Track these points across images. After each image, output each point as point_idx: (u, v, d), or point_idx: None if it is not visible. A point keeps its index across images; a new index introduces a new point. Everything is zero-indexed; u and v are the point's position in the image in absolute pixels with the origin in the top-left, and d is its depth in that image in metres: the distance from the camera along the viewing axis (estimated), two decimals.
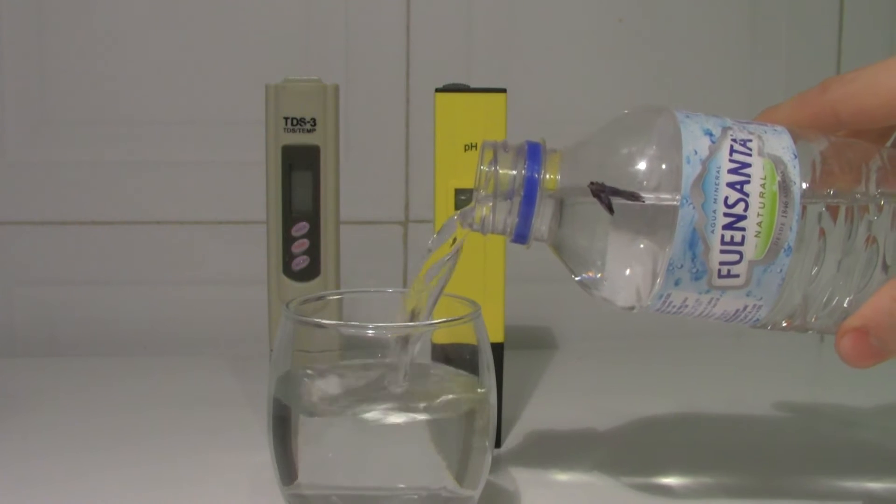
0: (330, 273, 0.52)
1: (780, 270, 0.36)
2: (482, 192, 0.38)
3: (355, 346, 0.42)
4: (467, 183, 0.49)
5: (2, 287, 0.71)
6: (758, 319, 0.38)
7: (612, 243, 0.37)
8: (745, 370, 0.68)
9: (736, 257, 0.36)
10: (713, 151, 0.36)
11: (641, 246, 0.37)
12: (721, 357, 0.71)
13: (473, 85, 0.50)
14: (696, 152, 0.36)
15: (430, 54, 0.72)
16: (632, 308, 0.39)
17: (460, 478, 0.39)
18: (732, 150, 0.36)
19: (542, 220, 0.38)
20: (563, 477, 0.48)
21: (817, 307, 0.38)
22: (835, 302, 0.38)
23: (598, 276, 0.38)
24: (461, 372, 0.41)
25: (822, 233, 0.36)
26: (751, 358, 0.72)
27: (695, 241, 0.36)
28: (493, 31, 0.72)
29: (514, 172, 0.38)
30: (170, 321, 0.72)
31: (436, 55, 0.72)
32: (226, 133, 0.71)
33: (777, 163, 0.36)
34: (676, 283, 0.37)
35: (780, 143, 0.37)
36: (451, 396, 0.41)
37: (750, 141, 0.37)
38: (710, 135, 0.37)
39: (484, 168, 0.38)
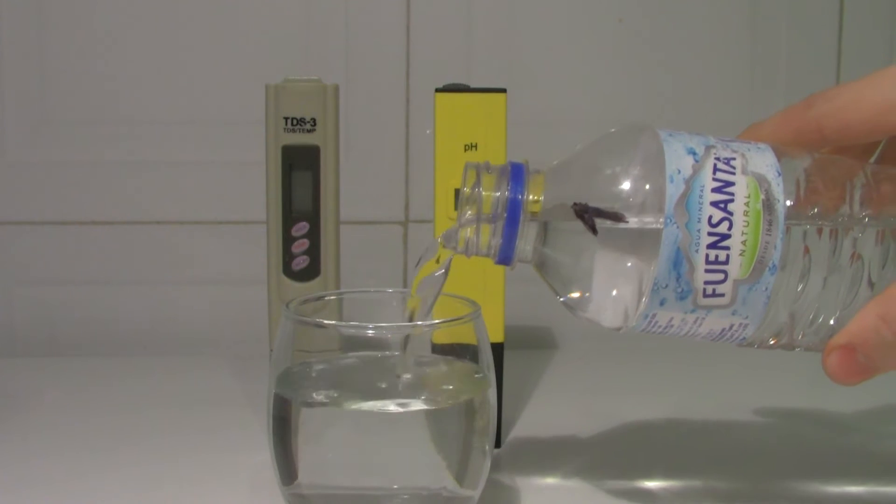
0: (330, 273, 0.52)
1: (766, 289, 0.36)
2: (466, 215, 0.38)
3: (355, 347, 0.42)
4: None
5: (2, 287, 0.71)
6: (744, 338, 0.38)
7: (597, 264, 0.37)
8: (747, 370, 0.68)
9: (721, 276, 0.36)
10: (696, 170, 0.36)
11: (627, 266, 0.37)
12: (722, 357, 0.71)
13: (473, 85, 0.50)
14: (679, 171, 0.36)
15: (430, 54, 0.72)
16: (618, 329, 0.39)
17: (460, 478, 0.39)
18: (716, 169, 0.36)
19: (527, 241, 0.38)
20: (562, 477, 0.48)
21: (804, 325, 0.38)
22: (821, 319, 0.37)
23: (584, 296, 0.38)
24: (461, 361, 0.41)
25: (807, 250, 0.36)
26: (752, 358, 0.72)
27: (679, 261, 0.36)
28: (493, 31, 0.72)
29: (498, 194, 0.38)
30: (170, 321, 0.72)
31: (436, 55, 0.72)
32: (226, 133, 0.71)
33: (761, 181, 0.36)
34: (662, 303, 0.37)
35: (763, 161, 0.37)
36: (450, 386, 0.41)
37: (734, 159, 0.37)
38: (694, 154, 0.37)
39: (467, 190, 0.38)
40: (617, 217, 0.36)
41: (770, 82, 0.75)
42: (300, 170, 0.51)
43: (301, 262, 0.52)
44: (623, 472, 0.49)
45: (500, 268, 0.49)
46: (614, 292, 0.38)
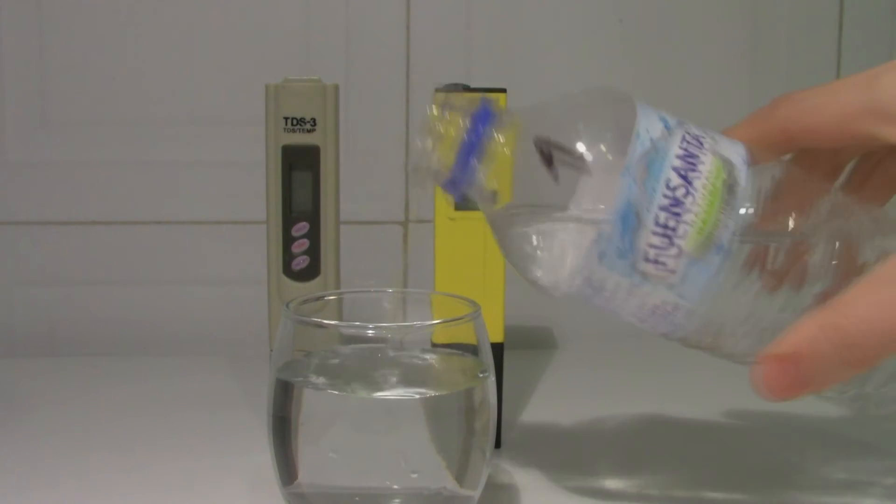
0: (330, 273, 0.52)
1: (709, 270, 0.35)
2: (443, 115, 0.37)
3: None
4: None
5: (2, 287, 0.71)
6: (674, 324, 0.37)
7: (546, 212, 0.36)
8: (746, 369, 0.68)
9: (666, 243, 0.35)
10: (665, 136, 0.36)
11: (576, 213, 0.35)
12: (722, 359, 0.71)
13: (473, 85, 0.50)
14: (648, 131, 0.36)
15: (430, 54, 0.72)
16: (556, 286, 0.37)
17: (460, 478, 0.39)
18: (685, 140, 0.36)
19: (483, 173, 0.37)
20: (562, 477, 0.48)
21: (737, 325, 0.37)
22: (756, 323, 0.36)
23: (534, 249, 0.37)
24: (461, 355, 0.41)
25: (756, 252, 0.35)
26: None
27: (628, 216, 0.35)
28: (493, 31, 0.72)
29: (467, 115, 0.37)
30: (170, 321, 0.72)
31: (436, 55, 0.72)
32: (226, 133, 0.71)
33: (726, 164, 0.36)
34: (601, 257, 0.35)
35: (734, 150, 0.37)
36: (451, 375, 0.41)
37: (704, 139, 0.36)
38: (666, 123, 0.37)
39: (436, 111, 0.37)
40: (575, 156, 0.35)
41: (770, 82, 0.75)
42: (300, 170, 0.51)
43: (301, 262, 0.52)
44: (623, 472, 0.49)
45: (501, 268, 0.49)
46: (559, 242, 0.36)
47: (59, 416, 0.56)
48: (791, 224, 0.36)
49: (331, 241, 0.52)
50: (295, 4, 0.71)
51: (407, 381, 0.41)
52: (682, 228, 0.35)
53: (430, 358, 0.42)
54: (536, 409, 0.58)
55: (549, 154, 0.36)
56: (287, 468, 0.39)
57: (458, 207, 0.49)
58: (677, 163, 0.35)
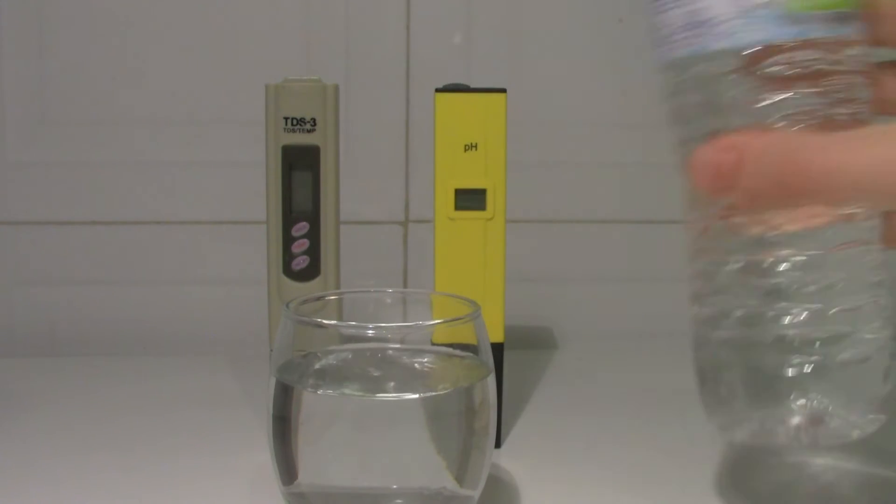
0: (330, 273, 0.52)
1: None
2: None
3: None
4: (467, 183, 0.49)
5: (2, 287, 0.71)
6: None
7: None
8: None
9: None
10: None
11: None
12: None
13: (473, 85, 0.50)
14: None
15: (430, 54, 0.72)
16: None
17: (460, 478, 0.39)
18: None
19: None
20: (562, 477, 0.48)
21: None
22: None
23: None
24: (462, 354, 0.41)
25: None
26: None
27: None
28: (493, 31, 0.72)
29: None
30: (170, 321, 0.72)
31: (436, 55, 0.72)
32: (226, 133, 0.71)
33: None
34: None
35: None
36: (450, 373, 0.41)
37: None
38: None
39: None
40: None
41: None
42: (300, 170, 0.51)
43: (301, 262, 0.52)
44: (623, 472, 0.49)
45: (501, 268, 0.49)
46: None
47: (59, 416, 0.56)
48: None
49: (331, 241, 0.52)
50: (295, 4, 0.71)
51: (407, 382, 0.42)
52: None
53: (430, 358, 0.42)
54: (536, 409, 0.58)
55: None
56: (287, 468, 0.39)
57: (458, 207, 0.49)
58: None
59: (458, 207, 0.49)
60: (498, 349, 0.48)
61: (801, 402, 0.34)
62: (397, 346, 0.42)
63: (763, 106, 0.33)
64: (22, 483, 0.46)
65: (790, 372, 0.34)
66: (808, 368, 0.34)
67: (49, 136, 0.70)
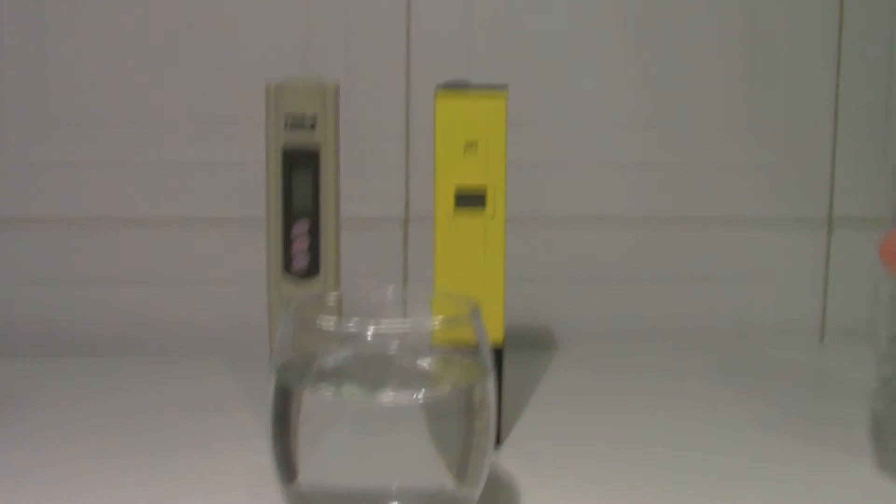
0: (330, 273, 0.52)
1: None
2: None
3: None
4: (467, 183, 0.49)
5: (2, 287, 0.71)
6: None
7: None
8: (746, 370, 0.68)
9: None
10: None
11: None
12: (722, 357, 0.71)
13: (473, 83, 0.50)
14: None
15: (430, 54, 0.72)
16: None
17: (460, 477, 0.39)
18: None
19: None
20: (562, 477, 0.48)
21: None
22: None
23: None
24: (462, 354, 0.41)
25: None
26: (752, 358, 0.72)
27: None
28: (493, 30, 0.72)
29: None
30: (170, 321, 0.72)
31: (436, 55, 0.72)
32: (226, 133, 0.71)
33: None
34: None
35: None
36: (450, 374, 0.41)
37: None
38: None
39: None
40: None
41: (770, 83, 0.75)
42: (300, 170, 0.51)
43: (301, 262, 0.52)
44: (622, 472, 0.49)
45: (501, 268, 0.49)
46: None
47: (59, 416, 0.56)
48: None
49: (331, 241, 0.52)
50: (295, 4, 0.70)
51: (407, 382, 0.42)
52: None
53: (430, 358, 0.42)
54: (536, 409, 0.58)
55: None
56: (287, 468, 0.39)
57: (458, 207, 0.49)
58: None
59: (458, 207, 0.49)
60: (498, 349, 0.48)
61: None
62: (397, 346, 0.42)
63: None
64: (22, 483, 0.46)
65: None
66: None
67: (49, 135, 0.70)
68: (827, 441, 0.53)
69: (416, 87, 0.72)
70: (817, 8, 0.75)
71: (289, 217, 0.51)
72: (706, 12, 0.74)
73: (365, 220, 0.72)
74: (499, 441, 0.51)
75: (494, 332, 0.48)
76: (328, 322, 0.40)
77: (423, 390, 0.41)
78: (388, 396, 0.40)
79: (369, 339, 0.39)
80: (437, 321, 0.41)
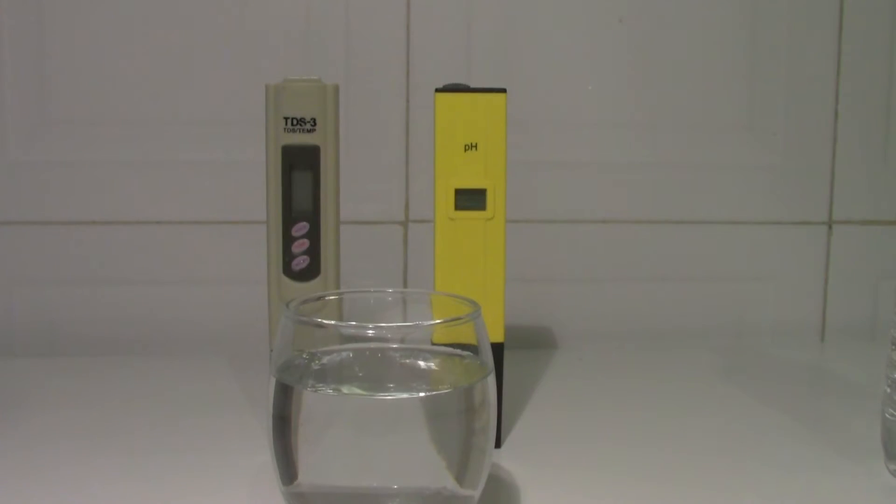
0: (330, 273, 0.52)
1: None
2: None
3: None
4: (467, 183, 0.49)
5: (2, 287, 0.71)
6: None
7: None
8: (747, 370, 0.68)
9: None
10: None
11: None
12: (722, 357, 0.71)
13: (473, 85, 0.50)
14: None
15: (430, 54, 0.72)
16: None
17: (460, 478, 0.39)
18: None
19: None
20: (562, 477, 0.48)
21: None
22: None
23: None
24: (462, 354, 0.41)
25: None
26: (753, 358, 0.72)
27: None
28: (493, 31, 0.72)
29: None
30: (170, 321, 0.72)
31: (436, 55, 0.72)
32: (226, 133, 0.71)
33: None
34: None
35: None
36: (450, 373, 0.41)
37: None
38: None
39: None
40: None
41: (770, 83, 0.75)
42: (300, 170, 0.51)
43: (301, 262, 0.52)
44: (623, 472, 0.49)
45: (501, 268, 0.49)
46: None
47: (59, 416, 0.56)
48: None
49: (331, 241, 0.52)
50: (295, 4, 0.71)
51: (407, 382, 0.42)
52: None
53: (430, 358, 0.42)
54: (536, 409, 0.58)
55: None
56: (287, 468, 0.39)
57: (458, 207, 0.49)
58: None
59: (458, 207, 0.49)
60: (498, 349, 0.48)
61: None
62: (397, 346, 0.42)
63: None
64: (22, 483, 0.46)
65: None
66: None
67: (49, 136, 0.70)
68: (828, 441, 0.53)
69: (416, 87, 0.72)
70: (817, 8, 0.75)
71: (289, 217, 0.51)
72: (706, 12, 0.74)
73: (365, 221, 0.72)
74: (499, 441, 0.51)
75: (494, 331, 0.48)
76: (328, 322, 0.40)
77: (424, 390, 0.41)
78: (388, 396, 0.40)
79: (369, 339, 0.39)
80: (437, 321, 0.41)
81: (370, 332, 0.39)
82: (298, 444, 0.39)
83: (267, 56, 0.70)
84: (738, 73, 0.75)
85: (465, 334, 0.40)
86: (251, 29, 0.70)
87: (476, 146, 0.49)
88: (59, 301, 0.71)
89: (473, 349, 0.40)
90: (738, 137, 0.75)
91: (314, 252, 0.52)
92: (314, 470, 0.39)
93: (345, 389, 0.40)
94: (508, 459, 0.49)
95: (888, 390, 0.47)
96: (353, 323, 0.40)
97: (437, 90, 0.49)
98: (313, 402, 0.39)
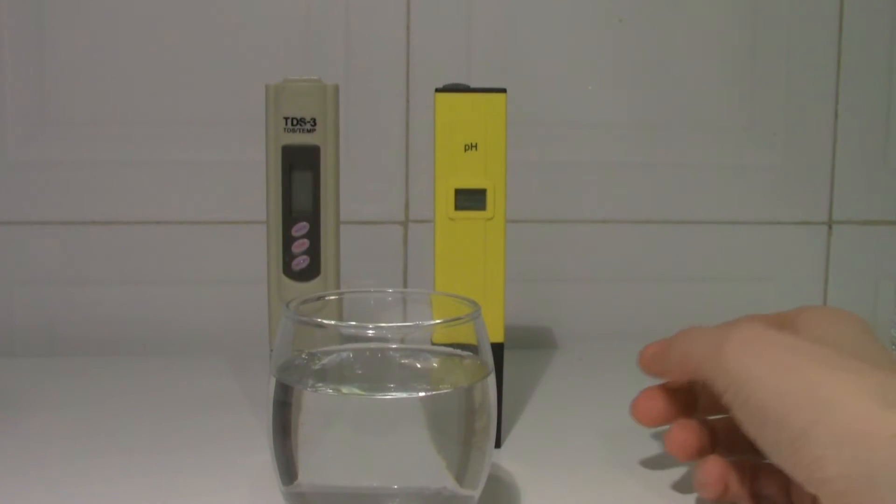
0: (330, 273, 0.52)
1: None
2: None
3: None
4: (467, 183, 0.49)
5: (2, 287, 0.71)
6: None
7: None
8: None
9: None
10: None
11: None
12: None
13: (473, 85, 0.50)
14: None
15: (430, 54, 0.72)
16: None
17: (460, 478, 0.39)
18: None
19: None
20: (562, 477, 0.48)
21: None
22: None
23: None
24: (462, 354, 0.41)
25: None
26: None
27: None
28: (493, 31, 0.72)
29: None
30: (170, 321, 0.72)
31: (436, 55, 0.72)
32: (226, 133, 0.71)
33: None
34: None
35: None
36: (450, 374, 0.42)
37: None
38: None
39: None
40: None
41: (770, 83, 0.75)
42: (300, 170, 0.51)
43: (301, 262, 0.52)
44: (623, 472, 0.49)
45: (501, 268, 0.49)
46: None
47: (59, 417, 0.56)
48: None
49: (331, 241, 0.52)
50: (295, 4, 0.70)
51: (407, 382, 0.42)
52: None
53: (430, 358, 0.42)
54: (536, 409, 0.58)
55: None
56: (287, 468, 0.39)
57: (458, 207, 0.49)
58: None
59: (458, 207, 0.49)
60: (498, 349, 0.48)
61: None
62: (397, 346, 0.42)
63: None
64: (22, 483, 0.46)
65: None
66: None
67: (49, 135, 0.70)
68: None
69: (416, 88, 0.72)
70: (817, 8, 0.75)
71: (289, 217, 0.51)
72: (706, 13, 0.74)
73: (365, 221, 0.72)
74: (499, 441, 0.51)
75: (494, 332, 0.48)
76: (328, 322, 0.40)
77: (424, 390, 0.41)
78: (388, 396, 0.40)
79: (369, 339, 0.39)
80: (437, 321, 0.41)
81: (370, 332, 0.39)
82: (298, 444, 0.39)
83: (267, 56, 0.70)
84: (738, 73, 0.75)
85: (465, 334, 0.40)
86: (251, 29, 0.70)
87: (476, 146, 0.49)
88: (59, 301, 0.71)
89: (473, 349, 0.40)
90: (738, 137, 0.75)
91: (314, 252, 0.52)
92: (314, 470, 0.39)
93: (345, 389, 0.40)
94: (508, 459, 0.49)
95: None
96: (353, 323, 0.40)
97: (437, 90, 0.49)
98: (313, 402, 0.39)
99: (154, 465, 0.48)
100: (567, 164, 0.74)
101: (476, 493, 0.40)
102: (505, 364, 0.51)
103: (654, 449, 0.52)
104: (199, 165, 0.71)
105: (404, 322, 0.44)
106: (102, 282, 0.71)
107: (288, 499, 0.40)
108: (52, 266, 0.71)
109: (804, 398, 0.34)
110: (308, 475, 0.39)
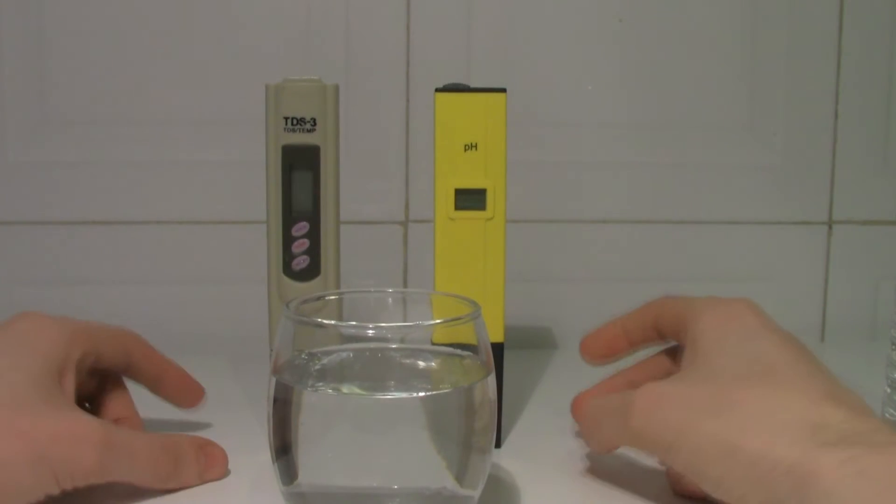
0: (330, 273, 0.52)
1: None
2: None
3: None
4: (467, 183, 0.49)
5: (2, 287, 0.71)
6: None
7: None
8: None
9: None
10: None
11: None
12: None
13: (473, 85, 0.50)
14: None
15: (430, 54, 0.72)
16: None
17: (460, 478, 0.39)
18: None
19: None
20: (562, 477, 0.48)
21: None
22: None
23: None
24: (462, 354, 0.41)
25: None
26: None
27: None
28: (493, 31, 0.72)
29: None
30: (170, 321, 0.72)
31: (436, 55, 0.72)
32: (226, 133, 0.71)
33: None
34: None
35: None
36: (450, 374, 0.42)
37: None
38: None
39: None
40: None
41: (770, 83, 0.75)
42: (300, 170, 0.51)
43: (301, 262, 0.52)
44: (623, 471, 0.49)
45: (501, 268, 0.49)
46: None
47: None
48: None
49: (331, 241, 0.52)
50: (295, 4, 0.71)
51: (407, 381, 0.42)
52: None
53: (430, 358, 0.42)
54: (536, 409, 0.58)
55: None
56: (287, 468, 0.39)
57: (458, 207, 0.49)
58: None
59: (458, 207, 0.49)
60: (498, 349, 0.48)
61: None
62: (397, 346, 0.42)
63: None
64: None
65: None
66: None
67: (49, 136, 0.70)
68: None
69: (416, 88, 0.72)
70: (817, 8, 0.75)
71: (289, 217, 0.51)
72: (706, 12, 0.74)
73: (365, 221, 0.72)
74: (499, 441, 0.51)
75: (494, 331, 0.48)
76: (328, 322, 0.40)
77: (424, 390, 0.41)
78: (388, 396, 0.40)
79: (369, 339, 0.39)
80: (437, 321, 0.41)
81: (370, 332, 0.39)
82: (298, 444, 0.39)
83: (267, 56, 0.70)
84: (738, 74, 0.75)
85: (465, 334, 0.40)
86: (251, 29, 0.70)
87: (476, 146, 0.49)
88: (59, 301, 0.71)
89: (473, 349, 0.40)
90: (738, 137, 0.75)
91: (314, 252, 0.52)
92: (314, 470, 0.39)
93: (345, 389, 0.40)
94: (508, 459, 0.49)
95: (888, 390, 0.47)
96: (353, 323, 0.40)
97: (437, 90, 0.49)
98: (313, 401, 0.39)
99: None
100: (567, 164, 0.74)
101: (476, 493, 0.40)
102: (505, 364, 0.51)
103: None
104: (199, 165, 0.71)
105: (404, 322, 0.44)
106: (102, 282, 0.71)
107: (288, 499, 0.40)
108: (53, 266, 0.71)
109: (712, 453, 0.38)
110: (308, 475, 0.39)
